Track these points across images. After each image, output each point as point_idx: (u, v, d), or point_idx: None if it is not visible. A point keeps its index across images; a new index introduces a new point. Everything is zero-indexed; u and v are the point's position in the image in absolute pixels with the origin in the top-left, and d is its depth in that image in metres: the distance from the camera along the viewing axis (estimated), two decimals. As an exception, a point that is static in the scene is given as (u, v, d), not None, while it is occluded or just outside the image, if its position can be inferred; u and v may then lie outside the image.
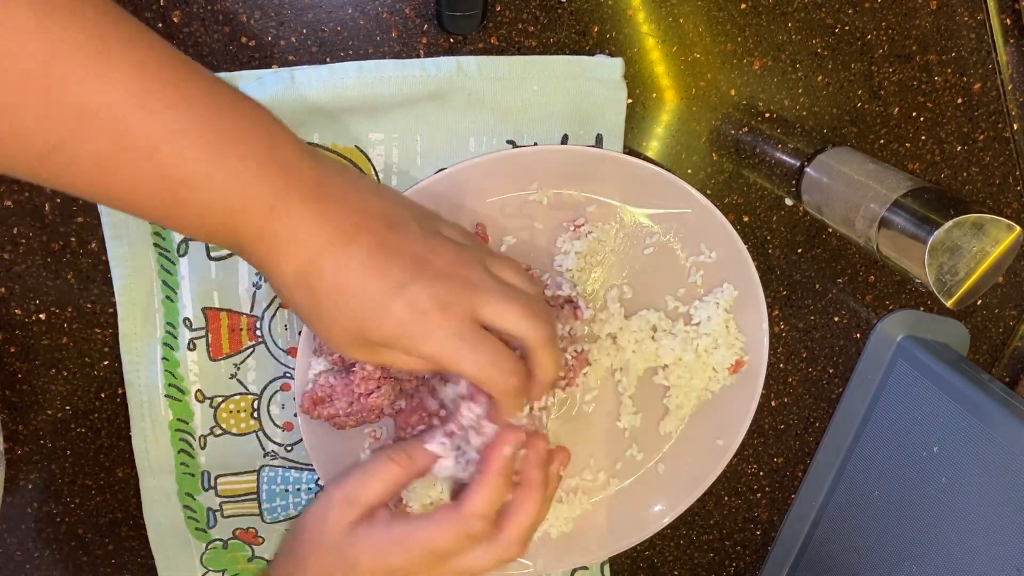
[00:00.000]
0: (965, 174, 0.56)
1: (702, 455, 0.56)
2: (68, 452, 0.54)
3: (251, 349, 0.52)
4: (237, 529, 0.57)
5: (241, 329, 0.51)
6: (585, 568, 0.61)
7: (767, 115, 0.53)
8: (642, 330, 0.53)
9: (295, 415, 0.53)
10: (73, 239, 0.49)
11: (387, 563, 0.43)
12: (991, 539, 0.50)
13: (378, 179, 0.49)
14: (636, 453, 0.56)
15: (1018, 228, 0.43)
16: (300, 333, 0.49)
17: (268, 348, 0.52)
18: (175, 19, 0.46)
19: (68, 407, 0.53)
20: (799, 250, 0.56)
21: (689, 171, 0.53)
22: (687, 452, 0.56)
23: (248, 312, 0.51)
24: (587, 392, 0.54)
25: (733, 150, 0.53)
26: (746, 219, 0.55)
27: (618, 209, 0.51)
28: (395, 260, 0.38)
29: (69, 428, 0.53)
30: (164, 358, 0.51)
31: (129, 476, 0.55)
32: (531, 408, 0.46)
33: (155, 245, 0.49)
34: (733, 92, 0.52)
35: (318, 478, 0.55)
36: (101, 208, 0.48)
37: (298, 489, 0.56)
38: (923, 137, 0.55)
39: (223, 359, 0.52)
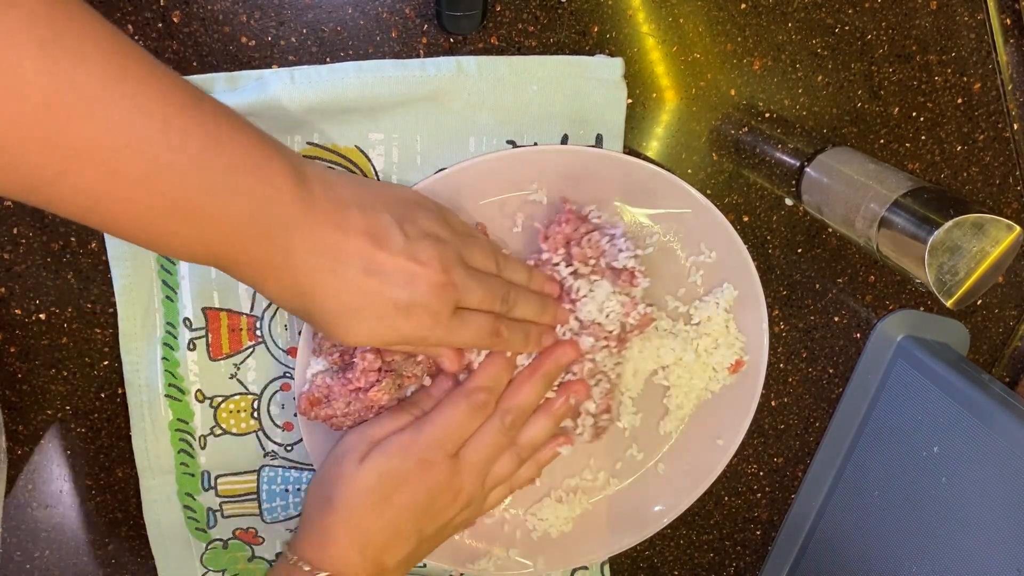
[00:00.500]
0: (965, 174, 0.56)
1: (702, 455, 0.56)
2: (68, 452, 0.54)
3: (251, 349, 0.52)
4: (237, 529, 0.57)
5: (241, 329, 0.51)
6: (585, 568, 0.61)
7: (767, 115, 0.53)
8: (642, 330, 0.53)
9: (295, 415, 0.53)
10: (73, 239, 0.49)
11: (396, 465, 0.46)
12: (991, 539, 0.50)
13: (378, 179, 0.49)
14: (636, 453, 0.56)
15: (1018, 228, 0.43)
16: (300, 333, 0.49)
17: (268, 348, 0.52)
18: (175, 19, 0.46)
19: (68, 407, 0.53)
20: (799, 250, 0.56)
21: (689, 171, 0.53)
22: (687, 452, 0.56)
23: (248, 312, 0.51)
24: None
25: (733, 150, 0.53)
26: (746, 219, 0.55)
27: (618, 209, 0.51)
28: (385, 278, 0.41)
29: (69, 428, 0.53)
30: (164, 358, 0.51)
31: (129, 476, 0.55)
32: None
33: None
34: (733, 92, 0.52)
35: (318, 478, 0.55)
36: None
37: (298, 489, 0.56)
38: (923, 137, 0.55)
39: (223, 359, 0.52)
